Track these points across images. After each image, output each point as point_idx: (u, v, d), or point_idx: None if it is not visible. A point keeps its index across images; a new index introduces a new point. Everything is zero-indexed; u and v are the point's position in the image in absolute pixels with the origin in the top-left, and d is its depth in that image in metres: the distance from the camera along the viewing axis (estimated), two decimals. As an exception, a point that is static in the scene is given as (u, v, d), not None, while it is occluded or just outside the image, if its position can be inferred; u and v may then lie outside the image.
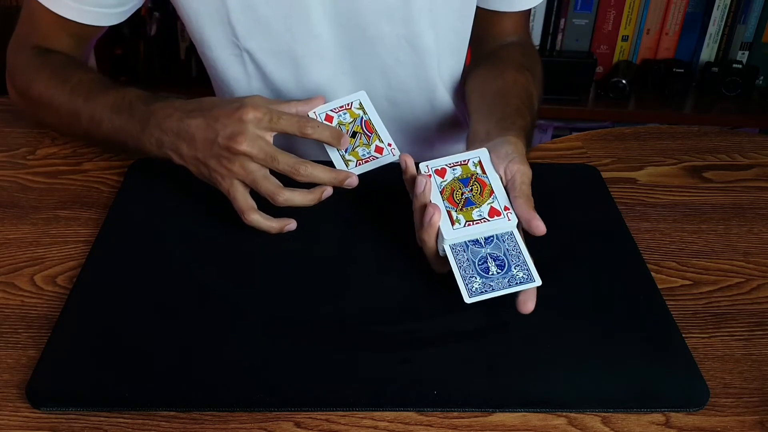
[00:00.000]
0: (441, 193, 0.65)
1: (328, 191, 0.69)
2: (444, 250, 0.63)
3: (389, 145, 0.72)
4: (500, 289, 0.60)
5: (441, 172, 0.67)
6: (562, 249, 0.71)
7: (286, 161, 0.67)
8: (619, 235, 0.74)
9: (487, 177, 0.66)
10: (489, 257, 0.62)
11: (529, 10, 0.94)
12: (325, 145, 0.72)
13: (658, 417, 0.57)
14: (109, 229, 0.72)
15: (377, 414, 0.56)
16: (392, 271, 0.68)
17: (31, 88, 0.82)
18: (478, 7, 0.91)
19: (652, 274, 0.70)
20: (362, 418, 0.56)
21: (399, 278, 0.68)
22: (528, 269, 0.61)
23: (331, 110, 0.73)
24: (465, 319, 0.63)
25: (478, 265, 0.62)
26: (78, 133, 0.82)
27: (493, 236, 0.63)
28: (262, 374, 0.58)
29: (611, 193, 0.81)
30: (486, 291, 0.60)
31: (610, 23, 1.90)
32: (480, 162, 0.67)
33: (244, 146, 0.66)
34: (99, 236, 0.71)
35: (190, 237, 0.71)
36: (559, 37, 1.92)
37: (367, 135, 0.72)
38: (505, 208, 0.64)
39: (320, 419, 0.55)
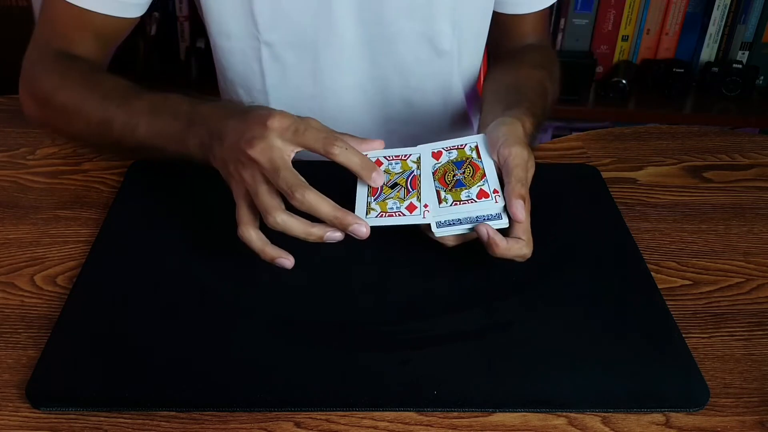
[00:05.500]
0: (434, 174, 0.65)
1: (337, 236, 0.61)
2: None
3: (425, 206, 0.63)
4: (468, 223, 0.62)
5: (437, 155, 0.67)
6: (562, 249, 0.71)
7: (286, 179, 0.60)
8: (619, 235, 0.74)
9: (481, 161, 0.66)
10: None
11: (547, 11, 0.93)
12: (358, 181, 0.64)
13: (658, 417, 0.57)
14: (109, 229, 0.72)
15: (377, 414, 0.56)
16: (392, 271, 0.68)
17: (57, 95, 0.77)
18: (497, 13, 0.91)
19: (652, 274, 0.70)
20: (362, 418, 0.56)
21: (399, 278, 0.67)
22: (497, 209, 0.63)
23: (384, 157, 0.67)
24: (465, 319, 0.63)
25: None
26: (107, 142, 0.76)
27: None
28: (262, 374, 0.58)
29: (611, 193, 0.81)
30: (454, 223, 0.62)
31: (610, 23, 1.90)
32: (476, 147, 0.67)
33: (255, 152, 0.61)
34: (99, 236, 0.71)
35: (190, 237, 0.71)
36: (559, 37, 1.91)
37: (408, 190, 0.64)
38: (494, 191, 0.63)
39: (320, 419, 0.55)
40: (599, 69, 1.95)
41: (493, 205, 0.63)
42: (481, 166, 0.65)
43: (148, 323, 0.62)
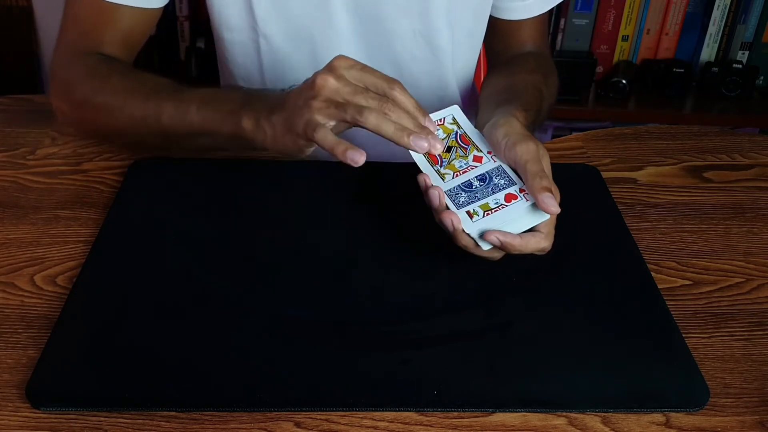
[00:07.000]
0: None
1: (422, 143, 0.62)
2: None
3: (489, 152, 0.66)
4: (485, 197, 0.63)
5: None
6: (562, 249, 0.71)
7: (375, 75, 0.63)
8: (619, 235, 0.74)
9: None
10: (474, 178, 0.65)
11: (545, 18, 0.94)
12: (420, 162, 0.66)
13: (658, 417, 0.57)
14: (109, 229, 0.72)
15: (377, 414, 0.56)
16: (393, 271, 0.68)
17: (98, 95, 0.77)
18: (495, 19, 0.92)
19: (652, 274, 0.70)
20: (362, 418, 0.56)
21: (399, 278, 0.67)
22: (507, 175, 0.64)
23: None
24: (465, 319, 0.63)
25: (463, 186, 0.65)
26: (153, 133, 0.75)
27: (483, 172, 0.65)
28: (262, 374, 0.58)
29: (611, 193, 0.81)
30: (472, 201, 0.63)
31: (610, 23, 1.90)
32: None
33: (330, 80, 0.62)
34: (99, 236, 0.71)
35: (190, 237, 0.71)
36: (559, 37, 1.92)
37: (464, 147, 0.67)
38: (521, 190, 0.64)
39: (320, 419, 0.55)
40: (599, 69, 1.95)
41: (524, 204, 0.63)
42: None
43: (148, 323, 0.62)
